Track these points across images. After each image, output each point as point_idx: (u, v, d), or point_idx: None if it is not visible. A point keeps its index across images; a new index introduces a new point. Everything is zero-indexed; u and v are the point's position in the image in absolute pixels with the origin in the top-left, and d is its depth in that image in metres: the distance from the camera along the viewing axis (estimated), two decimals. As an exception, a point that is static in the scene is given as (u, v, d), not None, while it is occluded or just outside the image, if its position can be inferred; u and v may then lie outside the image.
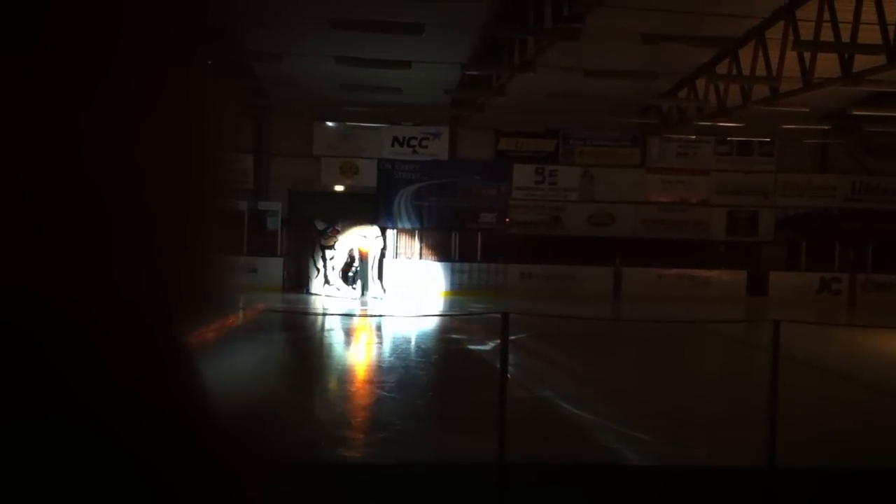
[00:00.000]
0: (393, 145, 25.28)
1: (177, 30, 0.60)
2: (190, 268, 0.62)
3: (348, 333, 17.20)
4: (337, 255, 22.91)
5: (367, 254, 23.13)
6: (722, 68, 18.57)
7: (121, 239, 0.57)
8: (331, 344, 16.00)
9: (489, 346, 12.82)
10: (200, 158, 0.62)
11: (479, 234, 25.30)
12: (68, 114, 0.54)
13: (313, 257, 23.09)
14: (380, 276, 23.66)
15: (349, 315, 19.62)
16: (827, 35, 13.98)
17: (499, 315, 6.86)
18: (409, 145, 25.33)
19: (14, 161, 0.53)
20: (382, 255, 23.93)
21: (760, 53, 16.69)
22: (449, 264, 24.82)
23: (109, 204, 0.56)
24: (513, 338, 8.21)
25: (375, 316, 19.68)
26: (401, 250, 25.40)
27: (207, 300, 0.64)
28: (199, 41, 0.61)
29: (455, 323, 17.51)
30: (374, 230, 23.52)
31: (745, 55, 17.32)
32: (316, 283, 23.03)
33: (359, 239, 23.09)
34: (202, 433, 0.61)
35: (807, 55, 15.49)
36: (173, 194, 0.60)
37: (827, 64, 15.20)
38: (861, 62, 14.68)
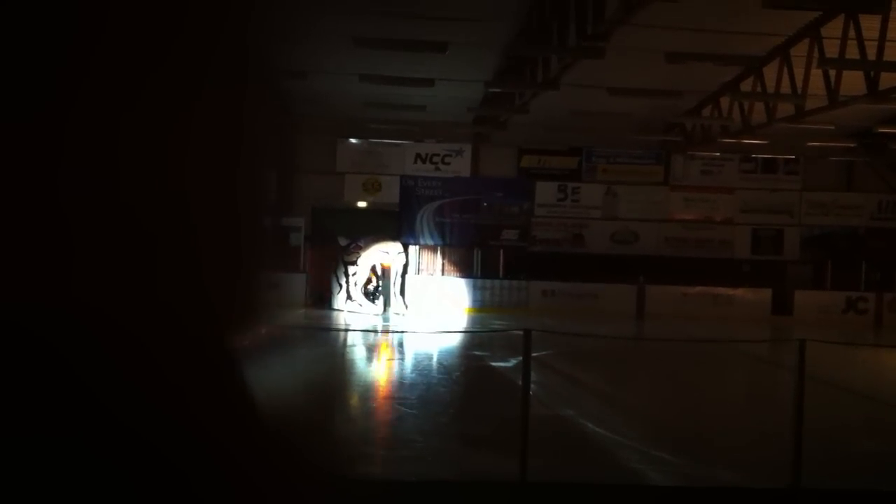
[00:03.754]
0: (416, 162, 25.36)
1: (222, 48, 0.60)
2: (236, 282, 0.62)
3: (370, 349, 17.21)
4: (359, 271, 22.97)
5: (389, 270, 23.18)
6: (746, 86, 18.49)
7: (161, 252, 0.57)
8: (352, 359, 16.01)
9: (511, 363, 12.77)
10: (247, 175, 0.63)
11: (502, 251, 25.28)
12: (112, 126, 0.55)
13: (336, 273, 23.17)
14: (402, 293, 23.68)
15: (371, 331, 19.64)
16: (852, 53, 13.89)
17: (521, 332, 6.84)
18: (431, 162, 25.40)
19: (56, 171, 0.54)
20: (405, 272, 23.97)
21: (785, 71, 16.61)
22: (471, 281, 24.81)
23: (151, 216, 0.56)
24: (535, 355, 8.18)
25: (397, 332, 19.68)
26: (423, 267, 25.42)
27: (248, 313, 0.64)
28: (245, 61, 0.62)
29: (477, 339, 17.47)
30: (397, 246, 23.57)
31: (770, 73, 17.25)
32: (338, 299, 23.10)
33: (381, 255, 23.15)
34: (248, 447, 0.61)
35: (832, 73, 15.40)
36: (220, 209, 0.60)
37: (852, 81, 15.09)
38: (887, 80, 14.57)
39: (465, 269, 25.34)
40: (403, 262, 23.69)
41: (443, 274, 25.35)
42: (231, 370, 0.61)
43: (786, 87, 16.72)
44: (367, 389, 12.70)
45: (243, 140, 0.63)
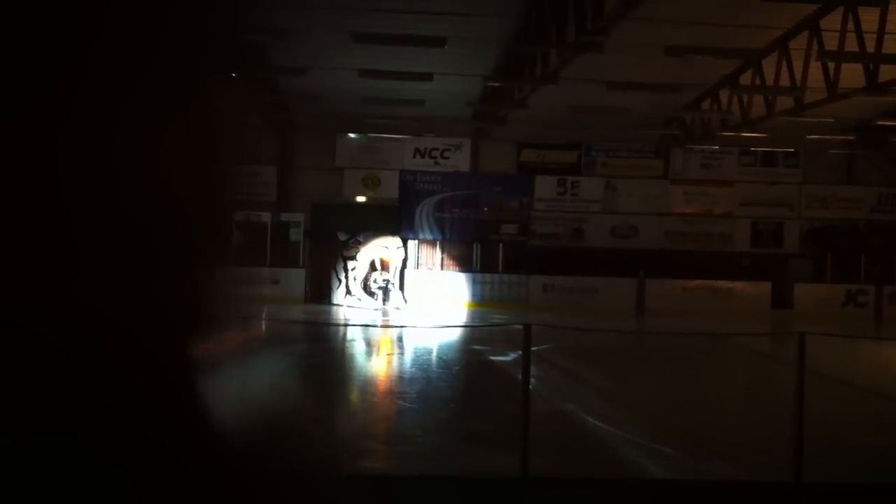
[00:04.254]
0: (415, 157, 25.35)
1: (207, 47, 0.60)
2: (204, 279, 0.62)
3: (370, 344, 17.22)
4: (359, 266, 23.00)
5: (388, 265, 23.20)
6: (745, 79, 18.47)
7: (155, 250, 0.57)
8: (352, 355, 16.01)
9: (511, 357, 12.78)
10: (223, 172, 0.62)
11: (501, 245, 25.28)
12: (107, 126, 0.54)
13: (335, 268, 23.20)
14: (401, 287, 23.71)
15: (370, 326, 19.64)
16: (851, 45, 13.87)
17: (521, 326, 6.84)
18: (430, 157, 25.39)
19: (56, 172, 0.53)
20: (404, 266, 23.99)
21: (784, 64, 16.59)
22: (471, 275, 24.82)
23: (144, 216, 0.56)
24: (535, 349, 8.18)
25: (397, 326, 19.68)
26: (422, 261, 25.43)
27: (216, 312, 0.64)
28: (228, 58, 0.62)
29: (477, 334, 17.47)
30: (396, 241, 23.59)
31: (769, 66, 17.23)
32: (338, 294, 23.14)
33: (381, 250, 23.16)
34: (211, 446, 0.61)
35: (831, 65, 15.38)
36: (201, 207, 0.60)
37: (851, 74, 15.08)
38: (886, 72, 14.56)
39: (464, 264, 25.35)
40: (403, 256, 23.71)
41: (442, 268, 25.35)
42: (188, 378, 0.61)
43: (785, 81, 16.70)
44: (367, 384, 12.70)
45: (213, 139, 0.62)
